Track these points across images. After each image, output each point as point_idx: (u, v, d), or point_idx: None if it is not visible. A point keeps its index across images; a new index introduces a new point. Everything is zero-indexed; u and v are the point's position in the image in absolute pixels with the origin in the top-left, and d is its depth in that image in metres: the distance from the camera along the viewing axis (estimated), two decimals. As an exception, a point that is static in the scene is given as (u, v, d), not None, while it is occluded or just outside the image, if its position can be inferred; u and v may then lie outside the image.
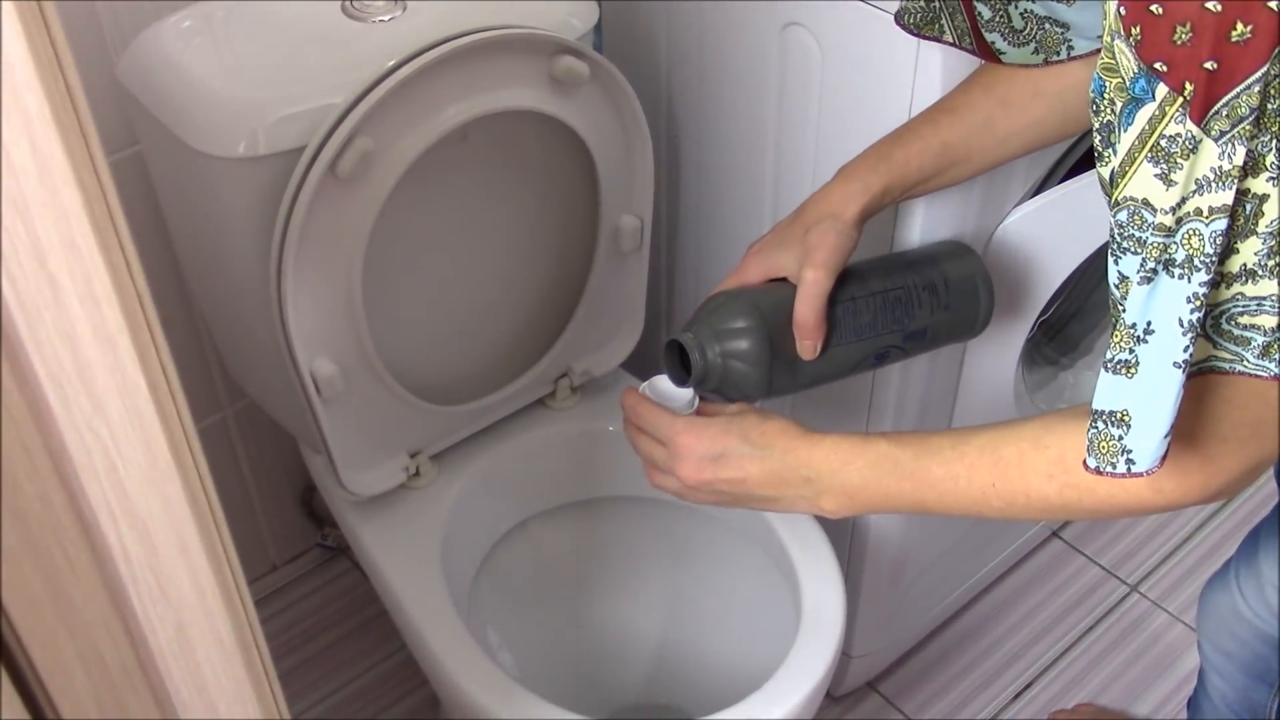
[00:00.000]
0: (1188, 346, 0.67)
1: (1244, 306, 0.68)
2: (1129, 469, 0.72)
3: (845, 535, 1.37)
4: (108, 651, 0.48)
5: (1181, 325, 0.67)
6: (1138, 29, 0.63)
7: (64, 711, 0.48)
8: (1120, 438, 0.71)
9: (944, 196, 1.06)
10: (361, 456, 1.16)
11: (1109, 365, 0.71)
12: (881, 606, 1.46)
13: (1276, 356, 0.68)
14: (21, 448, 0.42)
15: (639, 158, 1.18)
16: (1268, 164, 0.63)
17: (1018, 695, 1.58)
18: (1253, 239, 0.65)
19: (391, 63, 0.97)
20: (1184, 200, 0.65)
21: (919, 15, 0.96)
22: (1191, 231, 0.65)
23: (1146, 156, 0.65)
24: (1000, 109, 0.96)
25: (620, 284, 1.27)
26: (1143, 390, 0.70)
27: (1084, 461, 0.74)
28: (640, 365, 1.36)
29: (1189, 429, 0.73)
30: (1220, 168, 0.63)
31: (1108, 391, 0.71)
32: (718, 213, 1.33)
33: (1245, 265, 0.67)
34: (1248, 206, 0.65)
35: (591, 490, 1.33)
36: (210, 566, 0.49)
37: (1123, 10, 0.64)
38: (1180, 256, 0.66)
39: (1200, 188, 0.64)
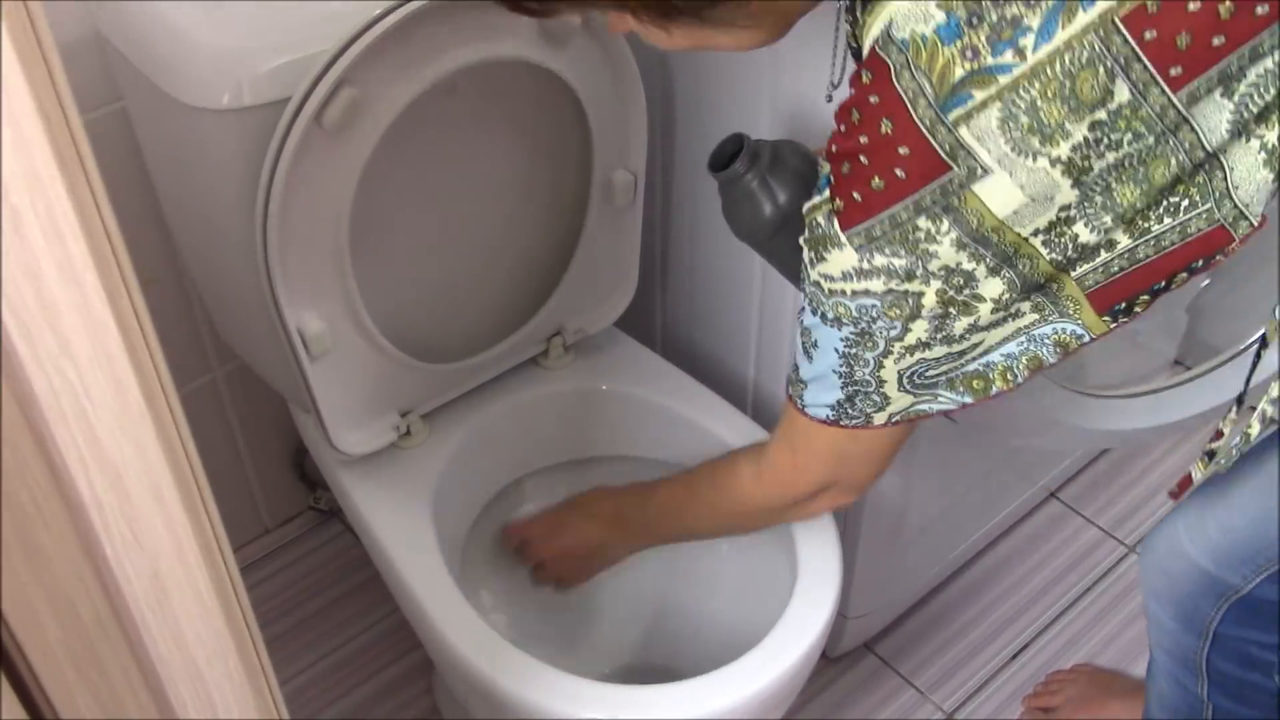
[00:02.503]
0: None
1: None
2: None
3: (842, 495, 1.36)
4: (80, 601, 0.46)
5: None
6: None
7: (36, 663, 0.46)
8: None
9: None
10: (351, 415, 1.15)
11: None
12: (878, 567, 1.45)
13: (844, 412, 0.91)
14: (-15, 389, 0.40)
15: (632, 111, 1.16)
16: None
17: (1015, 656, 1.58)
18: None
19: (378, 10, 0.95)
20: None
21: None
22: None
23: None
24: None
25: (613, 241, 1.25)
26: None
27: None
28: (634, 323, 1.35)
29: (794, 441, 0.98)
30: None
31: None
32: (713, 168, 1.31)
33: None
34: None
35: (585, 450, 1.32)
36: (187, 515, 0.48)
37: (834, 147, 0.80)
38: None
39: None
